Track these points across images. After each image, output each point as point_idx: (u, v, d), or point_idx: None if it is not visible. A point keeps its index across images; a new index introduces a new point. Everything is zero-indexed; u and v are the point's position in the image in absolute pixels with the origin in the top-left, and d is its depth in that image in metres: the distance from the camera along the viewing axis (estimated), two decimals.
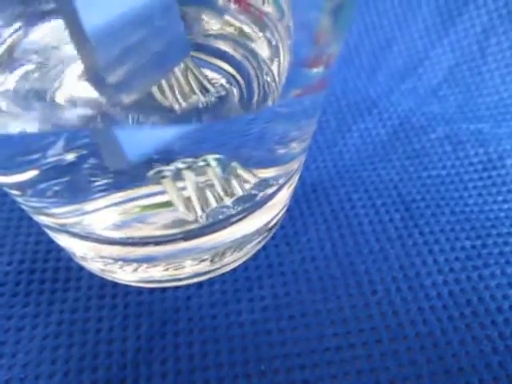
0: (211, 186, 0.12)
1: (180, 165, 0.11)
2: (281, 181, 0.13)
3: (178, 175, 0.11)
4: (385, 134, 0.20)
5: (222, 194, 0.12)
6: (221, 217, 0.12)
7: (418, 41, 0.24)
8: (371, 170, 0.19)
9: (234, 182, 0.12)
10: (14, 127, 0.10)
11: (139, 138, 0.10)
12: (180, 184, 0.11)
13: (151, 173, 0.11)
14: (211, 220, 0.12)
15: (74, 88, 0.11)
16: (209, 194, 0.12)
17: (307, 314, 0.14)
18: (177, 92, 0.11)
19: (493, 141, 0.19)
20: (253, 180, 0.12)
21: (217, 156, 0.11)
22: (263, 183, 0.12)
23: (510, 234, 0.16)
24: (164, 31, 0.09)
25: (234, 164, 0.12)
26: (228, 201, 0.12)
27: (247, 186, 0.12)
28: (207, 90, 0.11)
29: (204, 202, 0.12)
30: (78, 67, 0.11)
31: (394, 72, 0.23)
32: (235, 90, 0.12)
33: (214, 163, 0.11)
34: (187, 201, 0.12)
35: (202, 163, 0.11)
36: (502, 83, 0.22)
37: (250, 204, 0.13)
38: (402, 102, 0.22)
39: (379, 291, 0.15)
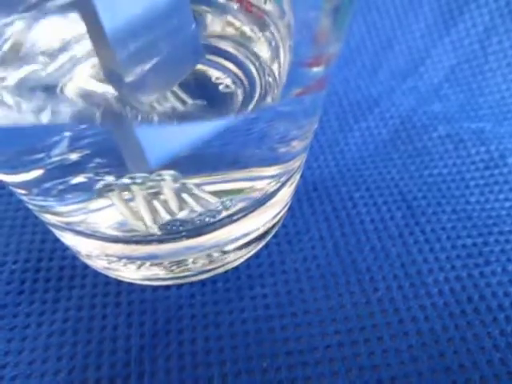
0: (163, 200, 0.12)
1: (127, 180, 0.11)
2: (282, 179, 0.13)
3: (125, 188, 0.11)
4: (386, 133, 0.20)
5: (174, 207, 0.12)
6: (181, 228, 0.12)
7: (420, 40, 0.24)
8: (373, 169, 0.19)
9: (189, 198, 0.12)
10: (25, 120, 0.10)
11: (161, 142, 0.10)
12: (128, 196, 0.11)
13: (98, 186, 0.11)
14: (165, 231, 0.12)
15: (86, 85, 0.11)
16: (159, 207, 0.12)
17: (309, 312, 0.14)
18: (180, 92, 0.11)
19: (494, 139, 0.19)
20: (210, 199, 0.12)
21: (171, 172, 0.11)
22: (210, 210, 0.12)
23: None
24: (177, 32, 0.09)
25: (190, 185, 0.12)
26: (182, 214, 0.12)
27: (197, 209, 0.12)
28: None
29: (155, 214, 0.12)
30: (88, 65, 0.11)
31: (395, 71, 0.23)
32: (239, 91, 0.12)
33: (168, 177, 0.11)
34: (137, 213, 0.12)
35: (156, 177, 0.11)
36: (504, 82, 0.22)
37: (211, 220, 0.13)
38: (404, 101, 0.22)
39: (381, 289, 0.15)
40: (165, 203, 0.12)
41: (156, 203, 0.12)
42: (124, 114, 0.10)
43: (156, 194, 0.12)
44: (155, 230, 0.12)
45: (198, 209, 0.12)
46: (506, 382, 0.13)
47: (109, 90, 0.11)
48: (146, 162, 0.10)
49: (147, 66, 0.09)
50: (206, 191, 0.12)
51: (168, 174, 0.11)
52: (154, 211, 0.12)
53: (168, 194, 0.12)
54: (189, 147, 0.10)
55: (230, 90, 0.12)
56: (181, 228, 0.12)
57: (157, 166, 0.11)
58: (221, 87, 0.12)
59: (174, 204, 0.12)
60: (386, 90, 0.22)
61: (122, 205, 0.11)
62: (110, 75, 0.10)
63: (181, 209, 0.12)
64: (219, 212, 0.12)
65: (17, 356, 0.13)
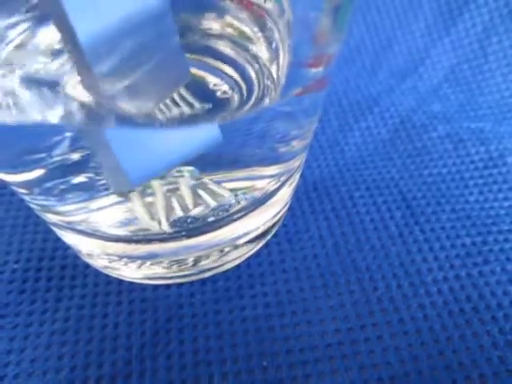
0: (180, 195, 0.12)
1: None
2: (282, 178, 0.14)
3: (146, 186, 0.11)
4: (386, 133, 0.20)
5: (189, 204, 0.12)
6: (191, 226, 0.12)
7: (419, 40, 0.24)
8: (372, 169, 0.19)
9: (204, 194, 0.12)
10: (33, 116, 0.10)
11: (142, 161, 0.10)
12: (148, 191, 0.12)
13: None
14: (176, 229, 0.12)
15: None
16: (175, 203, 0.12)
17: (309, 311, 0.14)
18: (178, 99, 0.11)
19: (494, 139, 0.20)
20: (226, 194, 0.12)
21: (190, 168, 0.11)
22: (221, 206, 0.12)
23: (511, 231, 0.16)
24: (159, 45, 0.09)
25: (205, 180, 0.12)
26: (195, 211, 0.12)
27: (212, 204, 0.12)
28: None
29: (170, 211, 0.12)
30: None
31: (395, 71, 0.23)
32: (236, 96, 0.12)
33: (186, 174, 0.11)
34: (153, 210, 0.12)
35: (176, 173, 0.11)
36: (503, 82, 0.22)
37: (225, 214, 0.13)
38: (403, 101, 0.22)
39: (380, 288, 0.15)
40: (181, 199, 0.12)
41: (173, 199, 0.12)
42: (100, 130, 0.10)
43: (174, 191, 0.12)
44: (166, 227, 0.12)
45: (213, 204, 0.12)
46: (505, 379, 0.13)
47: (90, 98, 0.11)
48: (127, 181, 0.10)
49: (128, 80, 0.09)
50: (222, 186, 0.12)
51: (187, 170, 0.11)
52: (170, 208, 0.12)
53: (184, 190, 0.12)
54: (170, 164, 0.11)
55: (227, 95, 0.12)
56: (190, 226, 0.12)
57: (139, 184, 0.11)
58: (218, 93, 0.12)
59: (189, 200, 0.12)
60: (386, 90, 0.22)
61: (140, 205, 0.12)
62: (89, 87, 0.10)
63: (195, 205, 0.12)
64: (232, 206, 0.12)
65: (19, 354, 0.13)
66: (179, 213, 0.12)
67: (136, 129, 0.10)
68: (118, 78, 0.09)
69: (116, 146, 0.10)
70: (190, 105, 0.11)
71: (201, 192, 0.12)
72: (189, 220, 0.12)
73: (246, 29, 0.13)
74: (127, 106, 0.10)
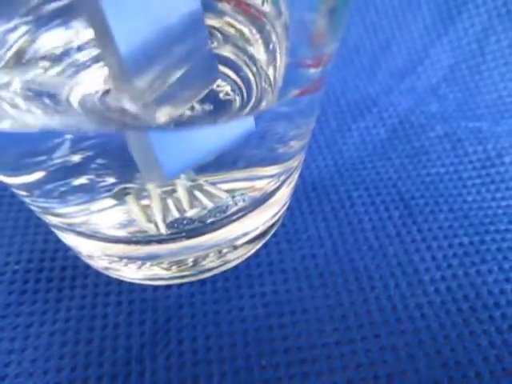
0: (176, 198, 0.12)
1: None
2: (281, 178, 0.14)
3: (141, 189, 0.11)
4: (384, 133, 0.20)
5: (185, 205, 0.12)
6: (188, 228, 0.12)
7: (418, 40, 0.24)
8: (371, 169, 0.19)
9: (201, 196, 0.12)
10: (33, 125, 0.10)
11: (177, 153, 0.10)
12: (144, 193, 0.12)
13: (116, 189, 0.11)
14: (172, 231, 0.12)
15: (93, 93, 0.11)
16: (172, 205, 0.12)
17: (307, 310, 0.14)
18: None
19: (491, 139, 0.20)
20: (222, 195, 0.12)
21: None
22: (219, 207, 0.12)
23: (508, 231, 0.16)
24: (194, 53, 0.09)
25: (202, 181, 0.12)
26: (192, 213, 0.12)
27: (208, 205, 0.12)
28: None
29: (166, 213, 0.12)
30: (93, 71, 0.11)
31: (393, 71, 0.23)
32: (238, 98, 0.12)
33: (183, 176, 0.11)
34: (149, 213, 0.12)
35: None
36: (501, 81, 0.22)
37: (223, 215, 0.13)
38: (402, 101, 0.22)
39: (378, 287, 0.15)
40: (177, 201, 0.12)
41: (169, 201, 0.12)
42: (139, 123, 0.10)
43: (170, 192, 0.12)
44: (163, 229, 0.12)
45: (209, 205, 0.12)
46: (502, 378, 0.13)
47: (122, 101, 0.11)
48: (161, 173, 0.10)
49: (162, 89, 0.09)
50: (218, 188, 0.12)
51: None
52: (166, 209, 0.12)
53: (181, 191, 0.12)
54: (205, 157, 0.11)
55: (229, 97, 0.12)
56: (186, 227, 0.12)
57: (172, 177, 0.11)
58: (221, 95, 0.12)
59: (185, 202, 0.12)
60: (384, 90, 0.23)
61: (136, 208, 0.12)
62: (123, 89, 0.10)
63: (191, 206, 0.12)
64: (229, 208, 0.12)
65: (20, 354, 0.13)
66: (175, 214, 0.12)
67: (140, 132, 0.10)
68: (155, 86, 0.09)
69: (154, 140, 0.10)
70: (191, 106, 0.11)
71: (197, 193, 0.12)
72: (185, 221, 0.12)
73: (245, 30, 0.13)
74: (157, 115, 0.10)
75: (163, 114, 0.10)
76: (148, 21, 0.08)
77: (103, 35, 0.08)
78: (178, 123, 0.11)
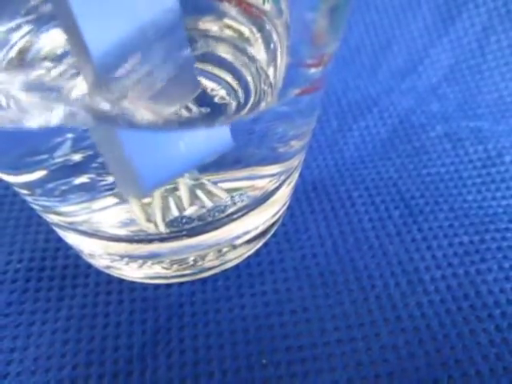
0: (177, 196, 0.12)
1: None
2: (282, 177, 0.14)
3: None
4: (385, 133, 0.20)
5: (185, 204, 0.12)
6: (187, 226, 0.12)
7: (418, 40, 0.24)
8: (371, 168, 0.19)
9: (202, 195, 0.12)
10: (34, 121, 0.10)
11: (155, 167, 0.10)
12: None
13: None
14: (171, 230, 0.12)
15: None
16: (172, 203, 0.12)
17: (308, 309, 0.14)
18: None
19: (492, 138, 0.20)
20: (222, 195, 0.12)
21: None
22: (218, 207, 0.13)
23: (508, 230, 0.16)
24: (171, 55, 0.09)
25: (204, 180, 0.12)
26: (190, 211, 0.12)
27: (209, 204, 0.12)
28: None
29: (166, 211, 0.12)
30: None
31: (394, 71, 0.23)
32: (233, 102, 0.12)
33: (186, 174, 0.11)
34: (149, 211, 0.12)
35: None
36: (502, 81, 0.22)
37: (222, 215, 0.13)
38: (402, 101, 0.22)
39: (378, 286, 0.15)
40: (178, 199, 0.12)
41: (170, 199, 0.12)
42: (114, 134, 0.10)
43: (172, 191, 0.12)
44: (163, 228, 0.12)
45: (209, 205, 0.12)
46: (502, 376, 0.13)
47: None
48: (138, 187, 0.10)
49: (140, 91, 0.09)
50: (219, 187, 0.12)
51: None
52: (166, 208, 0.12)
53: (183, 190, 0.12)
54: (180, 172, 0.10)
55: (224, 101, 0.12)
56: (186, 226, 0.12)
57: (149, 191, 0.11)
58: (216, 99, 0.12)
59: (186, 200, 0.12)
60: (385, 90, 0.23)
61: (136, 206, 0.12)
62: (96, 92, 0.10)
63: (191, 205, 0.12)
64: (228, 207, 0.12)
65: (22, 352, 0.14)
66: (175, 213, 0.12)
67: (138, 131, 0.10)
68: (127, 89, 0.09)
69: (129, 150, 0.09)
70: (188, 108, 0.11)
71: (199, 192, 0.12)
72: (184, 220, 0.12)
73: (245, 30, 0.13)
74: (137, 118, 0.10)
75: (143, 116, 0.10)
76: (121, 22, 0.08)
77: (74, 38, 0.08)
78: (176, 124, 0.11)
